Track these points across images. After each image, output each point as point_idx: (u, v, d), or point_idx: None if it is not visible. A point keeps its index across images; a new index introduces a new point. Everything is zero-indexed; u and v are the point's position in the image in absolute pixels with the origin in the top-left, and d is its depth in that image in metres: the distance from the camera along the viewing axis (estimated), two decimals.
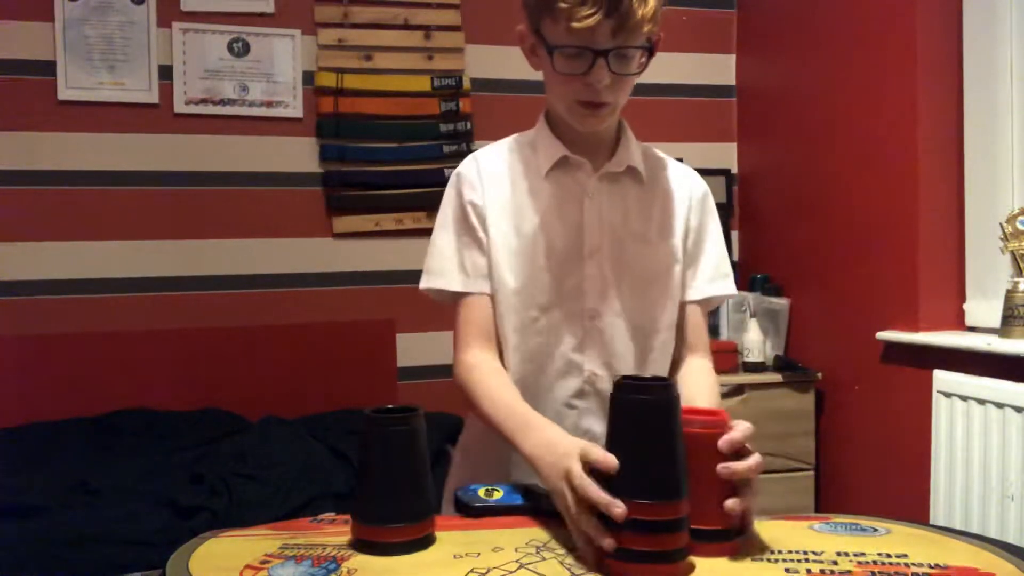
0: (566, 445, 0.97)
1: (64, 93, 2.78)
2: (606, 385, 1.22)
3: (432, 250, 1.26)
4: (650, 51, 1.14)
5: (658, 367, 1.27)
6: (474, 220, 1.23)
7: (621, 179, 1.25)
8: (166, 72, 2.87)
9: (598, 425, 1.21)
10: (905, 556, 0.91)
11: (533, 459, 1.02)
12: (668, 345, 1.28)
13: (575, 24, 1.08)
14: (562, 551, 0.91)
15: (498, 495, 1.07)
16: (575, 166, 1.23)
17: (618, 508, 0.84)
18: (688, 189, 1.29)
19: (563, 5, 1.08)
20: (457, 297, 1.23)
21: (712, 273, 1.29)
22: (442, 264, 1.24)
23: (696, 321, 1.29)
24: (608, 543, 0.85)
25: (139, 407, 2.71)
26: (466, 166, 1.27)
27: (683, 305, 1.28)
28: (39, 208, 2.77)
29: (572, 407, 1.23)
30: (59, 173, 2.79)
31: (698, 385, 1.22)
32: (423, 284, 1.25)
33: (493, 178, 1.25)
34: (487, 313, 1.22)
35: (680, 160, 1.36)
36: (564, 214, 1.22)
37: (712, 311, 1.38)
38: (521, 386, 1.20)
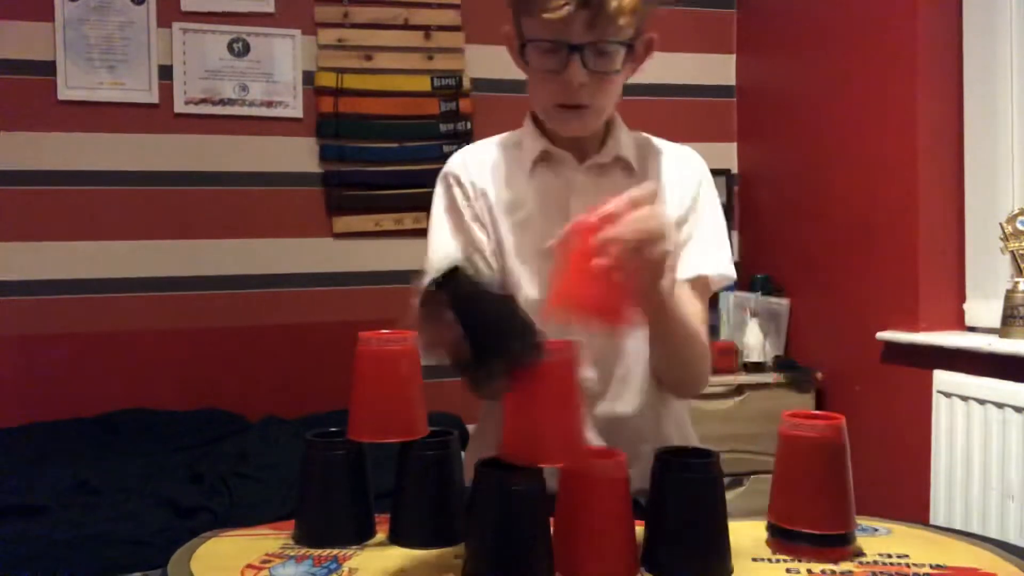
0: None
1: (64, 93, 2.78)
2: (589, 384, 1.19)
3: (431, 252, 1.24)
4: (630, 47, 1.10)
5: (640, 364, 1.22)
6: (467, 218, 1.21)
7: (609, 171, 1.21)
8: (166, 72, 2.86)
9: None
10: (906, 556, 0.91)
11: None
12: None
13: (547, 15, 1.04)
14: None
15: None
16: (559, 160, 1.20)
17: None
18: (680, 173, 1.24)
19: None
20: None
21: (701, 249, 1.22)
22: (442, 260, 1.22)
23: (686, 301, 1.18)
24: None
25: (139, 407, 2.70)
26: (454, 165, 1.26)
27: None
28: (39, 208, 2.77)
29: None
30: (59, 173, 2.79)
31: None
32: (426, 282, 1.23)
33: (480, 176, 1.23)
34: None
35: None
36: (550, 211, 1.19)
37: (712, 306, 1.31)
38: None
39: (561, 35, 1.06)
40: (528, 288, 1.18)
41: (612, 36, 1.07)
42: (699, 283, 1.23)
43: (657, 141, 1.28)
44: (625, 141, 1.22)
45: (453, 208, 1.23)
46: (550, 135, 1.20)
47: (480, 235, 1.21)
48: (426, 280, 1.20)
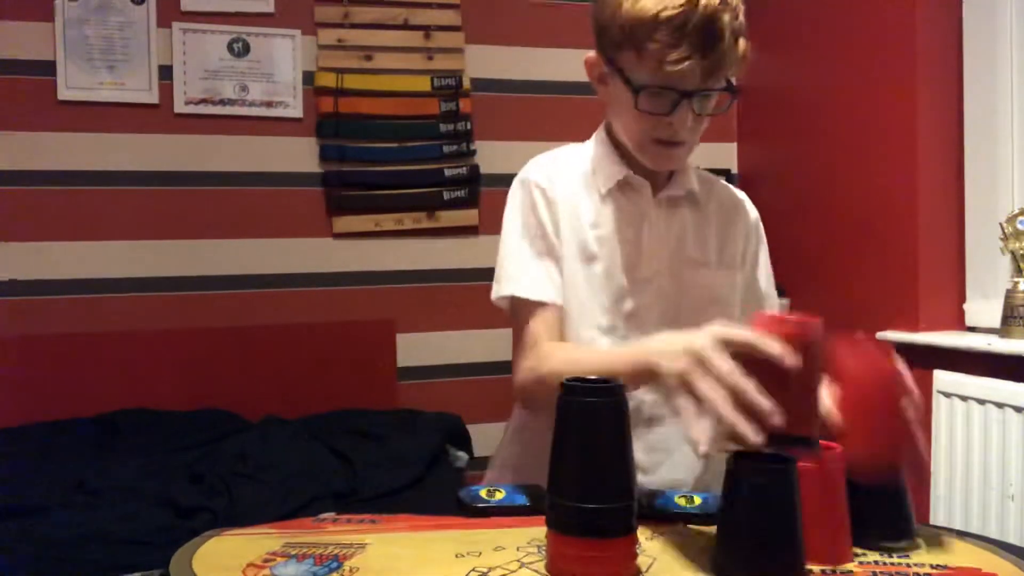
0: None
1: (64, 93, 2.78)
2: (653, 411, 1.21)
3: (506, 258, 1.21)
4: (733, 91, 1.11)
5: None
6: (550, 230, 1.19)
7: (679, 203, 1.23)
8: (166, 72, 2.86)
9: (641, 455, 1.08)
10: (907, 556, 0.91)
11: (655, 353, 0.92)
12: None
13: (668, 68, 1.04)
14: None
15: (500, 495, 1.07)
16: (635, 188, 1.20)
17: (775, 417, 0.78)
18: (744, 214, 1.28)
19: (654, 45, 1.04)
20: (531, 306, 1.17)
21: (760, 304, 1.27)
22: (518, 272, 1.19)
23: None
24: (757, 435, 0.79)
25: (139, 407, 2.70)
26: (538, 174, 1.22)
27: None
28: (39, 208, 2.77)
29: None
30: (59, 173, 2.79)
31: None
32: (498, 292, 1.20)
33: (562, 192, 1.21)
34: (558, 324, 1.18)
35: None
36: (623, 237, 1.20)
37: None
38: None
39: (675, 83, 1.06)
40: (587, 313, 1.19)
41: (722, 83, 1.09)
42: None
43: (710, 175, 1.30)
44: (692, 174, 1.24)
45: (536, 221, 1.20)
46: (629, 159, 1.20)
47: (557, 248, 1.19)
48: (504, 291, 1.17)
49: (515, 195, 1.22)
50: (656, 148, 1.14)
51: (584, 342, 1.19)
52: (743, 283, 1.27)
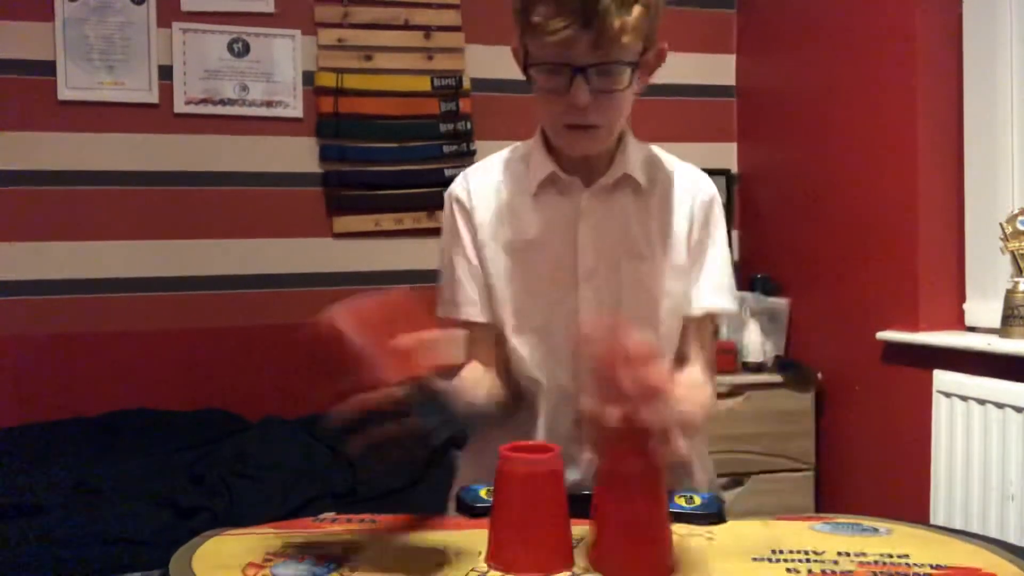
0: None
1: (64, 93, 2.78)
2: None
3: (442, 277, 1.25)
4: (635, 66, 1.06)
5: None
6: (468, 247, 1.20)
7: (616, 191, 1.18)
8: (166, 72, 2.86)
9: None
10: (907, 556, 0.91)
11: None
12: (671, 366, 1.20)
13: (549, 38, 1.01)
14: None
15: None
16: (566, 183, 1.17)
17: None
18: (692, 195, 1.21)
19: (536, 19, 1.01)
20: (461, 325, 1.20)
21: (712, 284, 1.20)
22: (449, 293, 1.22)
23: (692, 336, 1.21)
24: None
25: (139, 407, 2.70)
26: (457, 187, 1.23)
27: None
28: (39, 208, 2.77)
29: (575, 440, 1.07)
30: (59, 173, 2.79)
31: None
32: (439, 313, 1.23)
33: (484, 199, 1.20)
34: (486, 344, 1.20)
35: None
36: (557, 235, 1.17)
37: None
38: (521, 419, 1.18)
39: (564, 57, 1.03)
40: (503, 301, 1.19)
41: (616, 56, 1.03)
42: (707, 319, 1.22)
43: (667, 157, 1.24)
44: (634, 158, 1.19)
45: (455, 233, 1.22)
46: (557, 155, 1.17)
47: (476, 265, 1.20)
48: (441, 312, 1.21)
49: (444, 211, 1.25)
50: (568, 133, 1.11)
51: (521, 345, 1.18)
52: (685, 275, 1.20)
